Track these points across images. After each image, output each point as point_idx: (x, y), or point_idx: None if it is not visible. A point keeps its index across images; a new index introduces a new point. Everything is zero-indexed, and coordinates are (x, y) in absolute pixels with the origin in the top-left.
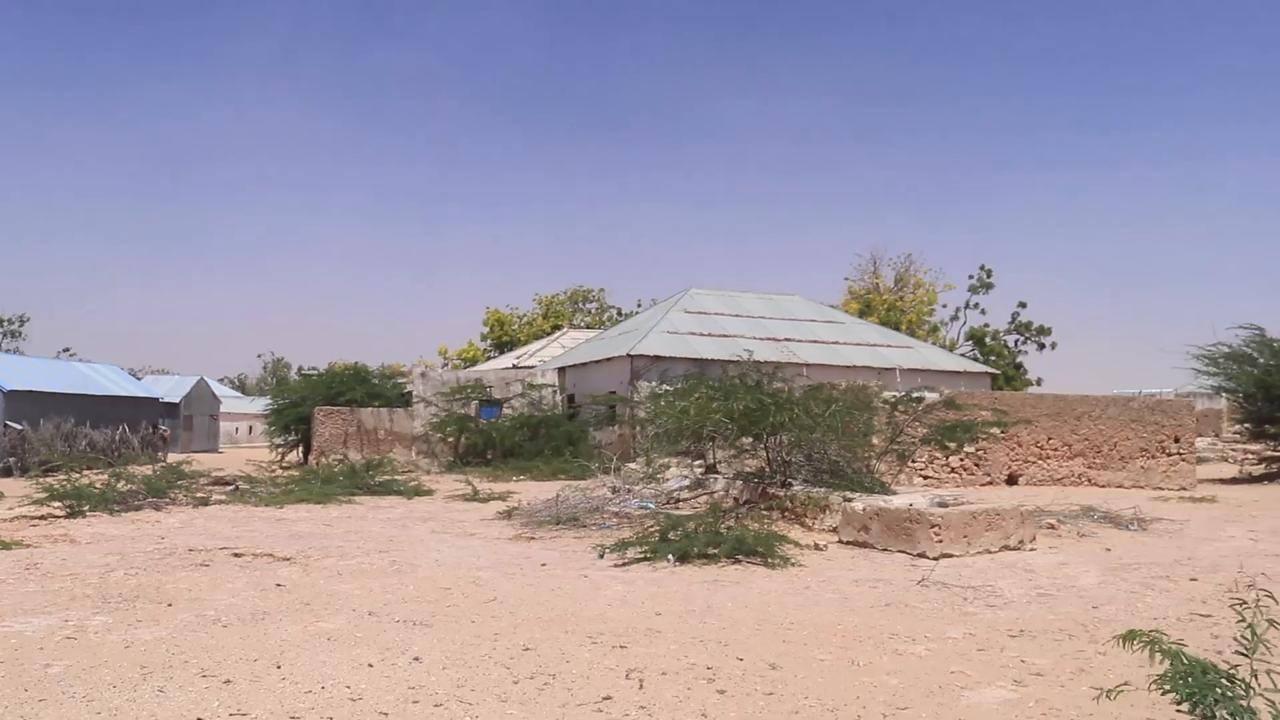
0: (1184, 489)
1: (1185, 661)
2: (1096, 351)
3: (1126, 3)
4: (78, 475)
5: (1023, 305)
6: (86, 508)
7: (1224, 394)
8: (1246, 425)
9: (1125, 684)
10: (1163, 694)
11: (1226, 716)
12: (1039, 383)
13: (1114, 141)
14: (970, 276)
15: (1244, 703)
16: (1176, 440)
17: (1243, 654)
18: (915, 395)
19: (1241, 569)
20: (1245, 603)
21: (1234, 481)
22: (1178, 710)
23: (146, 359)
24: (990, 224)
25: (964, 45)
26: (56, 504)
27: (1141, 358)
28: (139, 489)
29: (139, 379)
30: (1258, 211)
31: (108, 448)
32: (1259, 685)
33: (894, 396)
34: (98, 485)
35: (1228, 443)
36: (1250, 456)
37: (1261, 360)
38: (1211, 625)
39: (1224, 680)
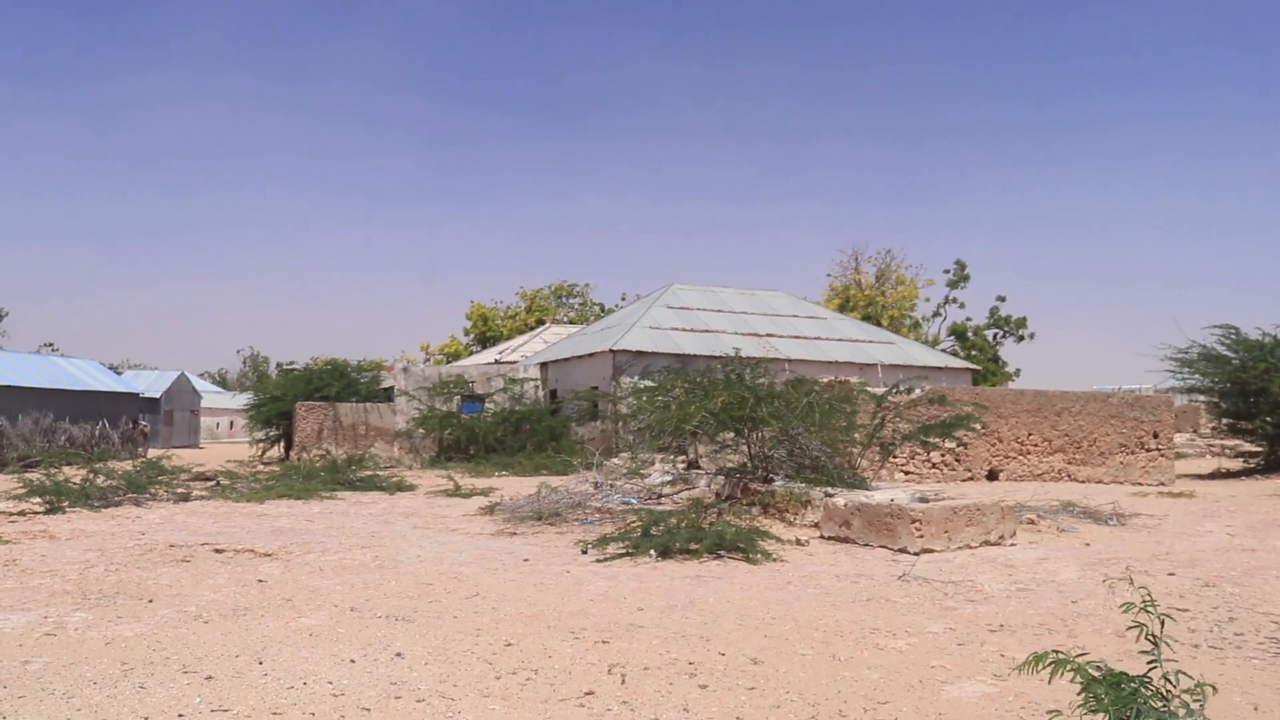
0: (1162, 484)
1: (1097, 676)
2: (1075, 346)
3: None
4: (57, 471)
5: (1001, 299)
6: (66, 503)
7: (1200, 395)
8: (1224, 421)
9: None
10: (1091, 714)
11: None
12: (1018, 374)
13: (1088, 138)
14: (946, 271)
15: (1163, 707)
16: (1155, 436)
17: (1152, 662)
18: (902, 389)
19: (1128, 568)
20: (1133, 604)
21: (1212, 477)
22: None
23: (127, 354)
24: (969, 220)
25: (941, 43)
26: (35, 500)
27: (1121, 353)
28: (119, 484)
29: (119, 374)
30: (1233, 207)
31: (87, 443)
32: (1175, 687)
33: (877, 391)
34: (77, 481)
35: (1206, 438)
36: (1228, 452)
37: (1235, 358)
38: (1189, 619)
39: (1140, 689)
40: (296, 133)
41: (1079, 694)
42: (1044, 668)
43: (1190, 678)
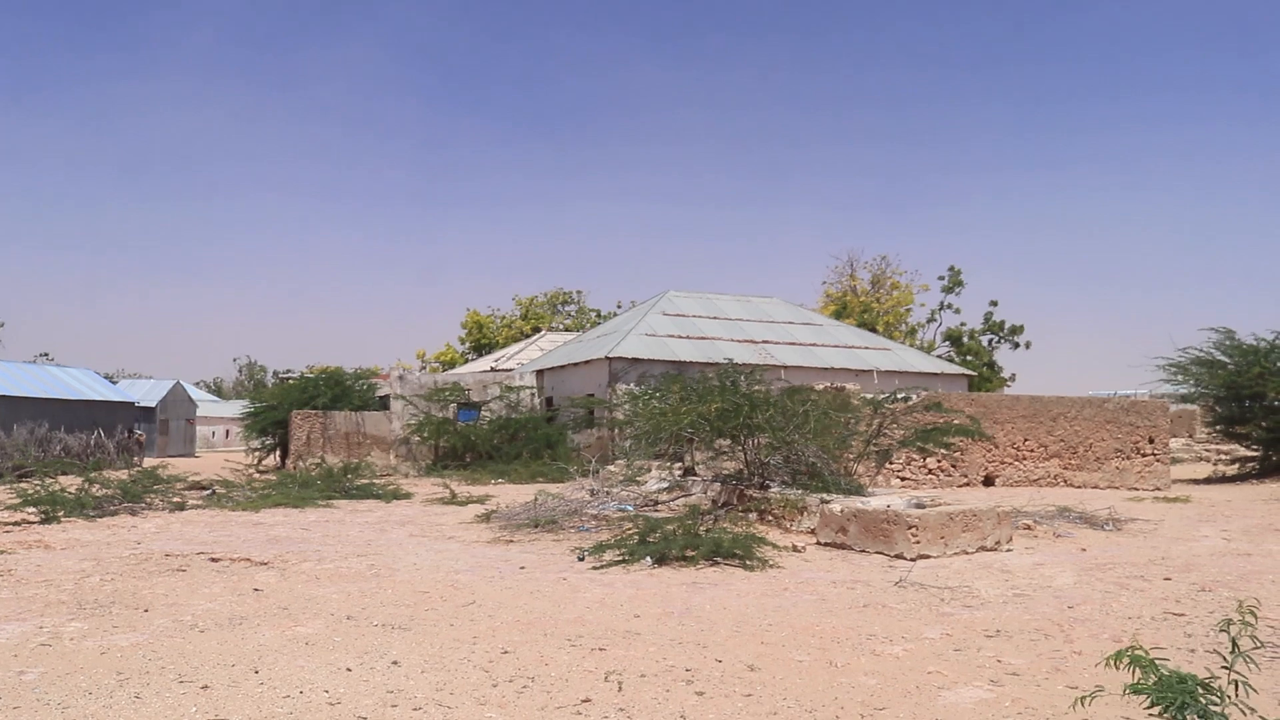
0: (1158, 489)
1: (1167, 674)
2: (1070, 352)
3: (1096, 5)
4: (52, 480)
5: (994, 304)
6: (61, 513)
7: (1195, 401)
8: (1219, 426)
9: (1100, 688)
10: (1135, 695)
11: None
12: (1013, 379)
13: (1083, 143)
14: (940, 277)
15: (1219, 709)
16: (1151, 441)
17: (1225, 667)
18: (900, 396)
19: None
20: (1230, 620)
21: (1208, 481)
22: (1149, 714)
23: (122, 363)
24: (964, 226)
25: (936, 48)
26: (31, 509)
27: (1116, 358)
28: (114, 494)
29: (114, 383)
30: (1229, 211)
31: (83, 452)
32: (1234, 696)
33: (874, 398)
34: (73, 490)
35: (1201, 443)
36: (1224, 456)
37: (1230, 363)
38: (1185, 624)
39: (1200, 688)
40: (291, 140)
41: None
42: (1124, 665)
43: (1255, 690)
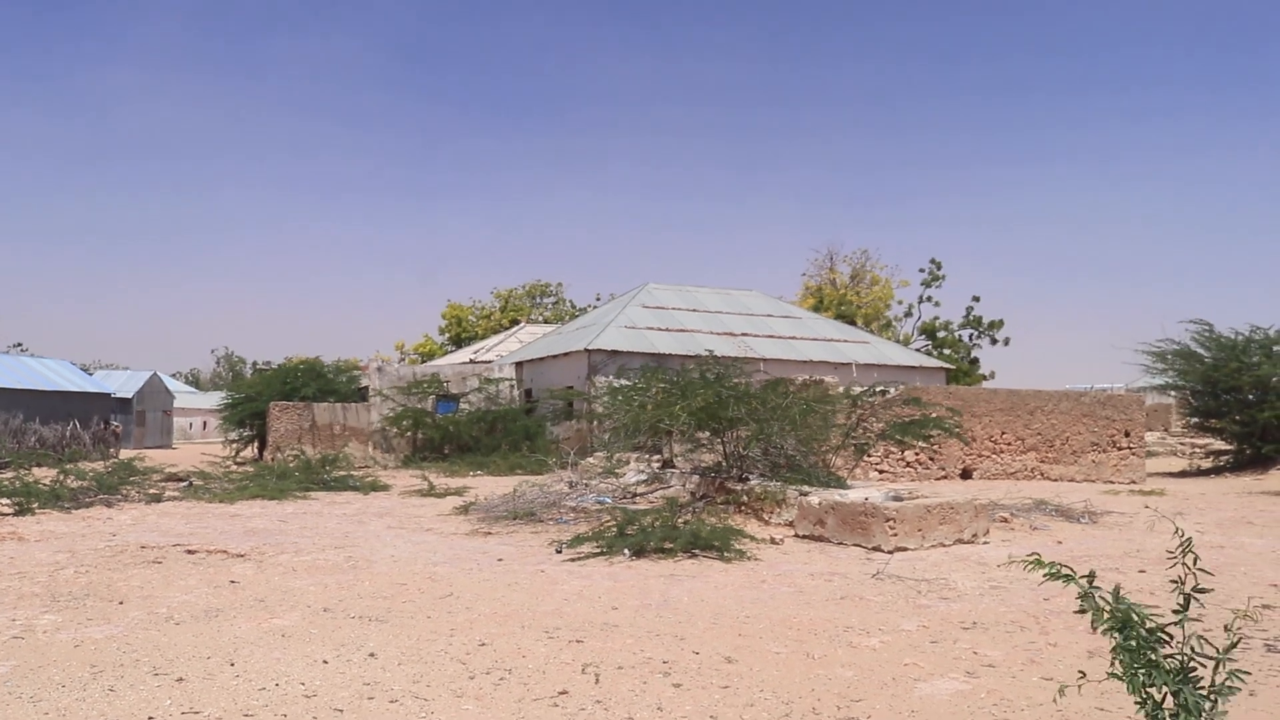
0: (1134, 482)
1: (1110, 602)
2: (1048, 345)
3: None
4: (27, 472)
5: (976, 299)
6: (36, 505)
7: (1171, 392)
8: (1194, 420)
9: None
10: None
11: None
12: (993, 376)
13: (1064, 137)
14: (921, 271)
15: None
16: (1127, 434)
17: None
18: (878, 390)
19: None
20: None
21: (1182, 475)
22: (1105, 701)
23: (98, 354)
24: (944, 219)
25: (917, 42)
26: (4, 501)
27: (1093, 351)
28: (90, 486)
29: (90, 374)
30: (1208, 205)
31: (58, 444)
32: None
33: (852, 391)
34: (47, 482)
35: (1177, 437)
36: (1199, 450)
37: (1208, 357)
38: (1159, 616)
39: (1153, 639)
40: (269, 131)
41: (1077, 611)
42: (1056, 578)
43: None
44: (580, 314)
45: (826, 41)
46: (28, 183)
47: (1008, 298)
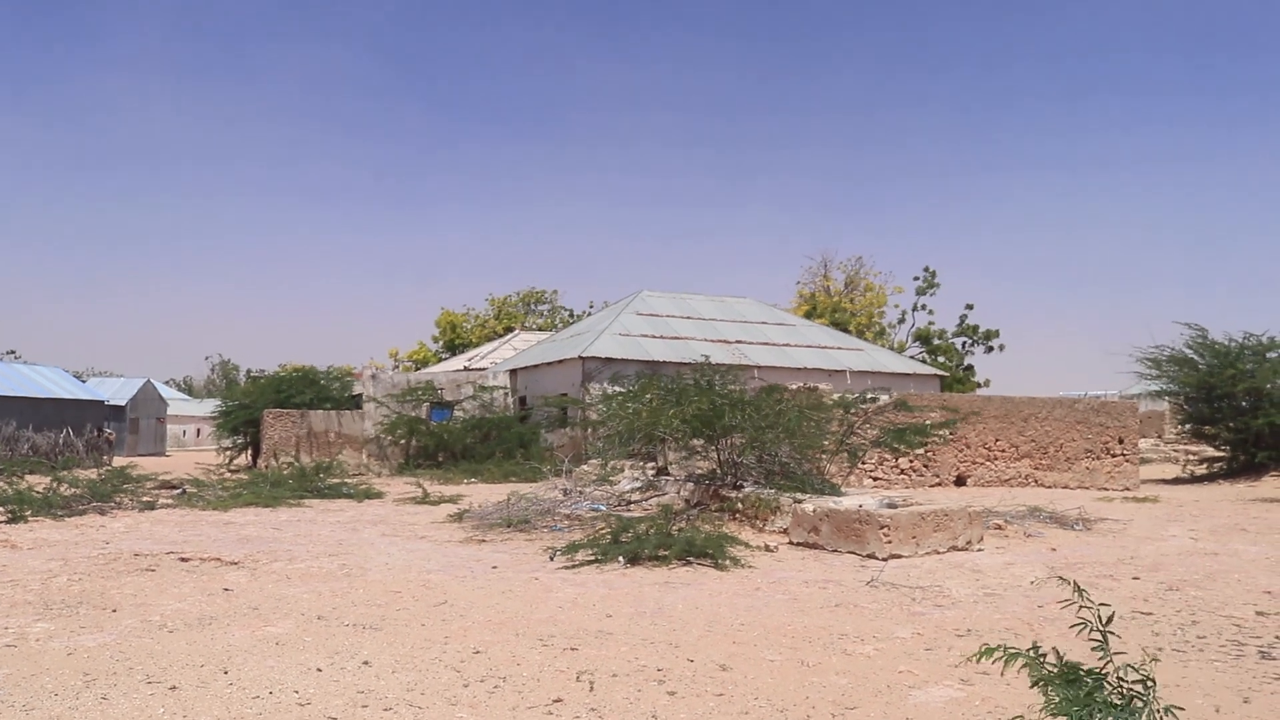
0: (1127, 489)
1: (1051, 672)
2: (1042, 353)
3: (1069, 7)
4: (20, 479)
5: (969, 307)
6: (29, 512)
7: (1166, 399)
8: (1188, 427)
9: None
10: (1053, 716)
11: None
12: (987, 384)
13: (1056, 145)
14: (915, 278)
15: (1120, 703)
16: (1120, 441)
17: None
18: (870, 397)
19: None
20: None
21: (1176, 482)
22: None
23: (91, 361)
24: (937, 228)
25: (911, 50)
26: None
27: (1087, 359)
28: (83, 493)
29: (84, 381)
30: (1200, 213)
31: (51, 451)
32: (1125, 680)
33: (846, 398)
34: (40, 490)
35: (1170, 444)
36: (1193, 457)
37: (1202, 363)
38: (1153, 623)
39: (1097, 685)
40: (261, 138)
41: (1034, 689)
42: (995, 660)
43: (1136, 671)
44: (575, 321)
45: (821, 49)
46: (22, 189)
47: (1002, 305)
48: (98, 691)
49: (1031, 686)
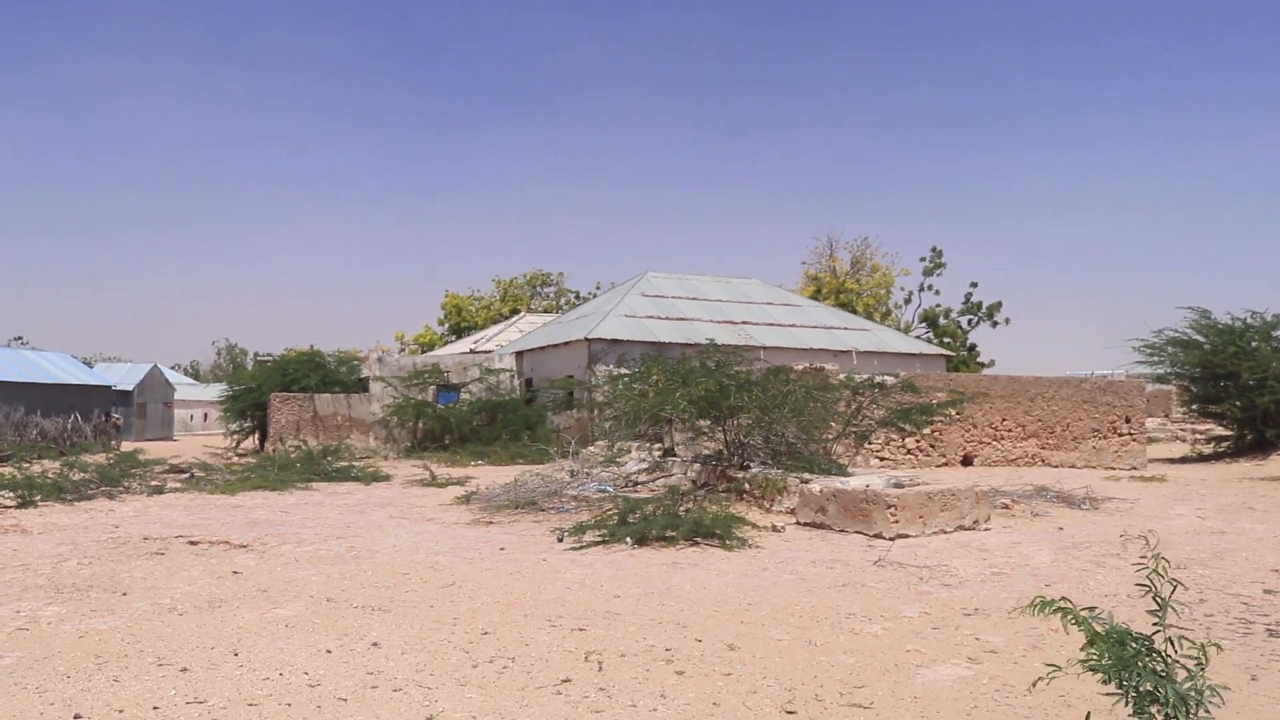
0: (1135, 468)
1: (1101, 631)
2: (1049, 332)
3: None
4: (29, 465)
5: (974, 285)
6: (38, 497)
7: (1171, 382)
8: (1195, 406)
9: (1056, 668)
10: (1089, 672)
11: (1150, 689)
12: (993, 364)
13: (1062, 125)
14: (922, 259)
15: (1162, 671)
16: (1127, 420)
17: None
18: (877, 380)
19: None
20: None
21: (1183, 461)
22: (1104, 686)
23: (99, 347)
24: (944, 208)
25: (916, 30)
26: (7, 494)
27: (1094, 338)
28: (92, 478)
29: (91, 367)
30: (1205, 193)
31: (59, 436)
32: (1175, 651)
33: (852, 379)
34: (50, 474)
35: (1177, 423)
36: (1199, 436)
37: (1206, 343)
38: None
39: (1144, 651)
40: (267, 123)
41: (1081, 649)
42: (1049, 613)
43: (1193, 643)
44: (580, 303)
45: (826, 30)
46: (27, 176)
47: (1008, 285)
48: (109, 674)
49: (1082, 649)
